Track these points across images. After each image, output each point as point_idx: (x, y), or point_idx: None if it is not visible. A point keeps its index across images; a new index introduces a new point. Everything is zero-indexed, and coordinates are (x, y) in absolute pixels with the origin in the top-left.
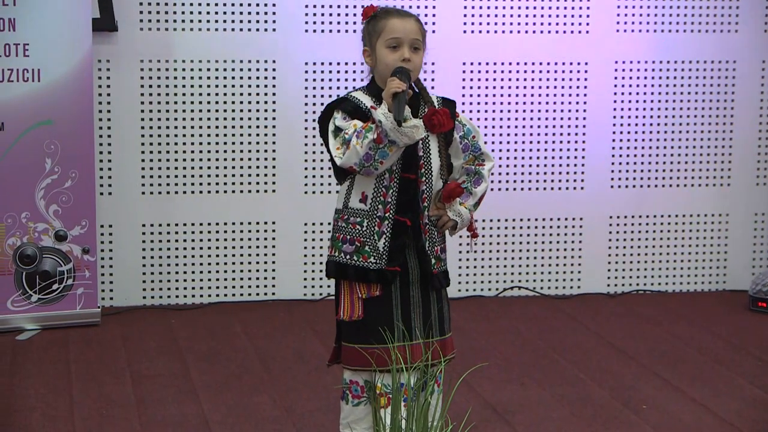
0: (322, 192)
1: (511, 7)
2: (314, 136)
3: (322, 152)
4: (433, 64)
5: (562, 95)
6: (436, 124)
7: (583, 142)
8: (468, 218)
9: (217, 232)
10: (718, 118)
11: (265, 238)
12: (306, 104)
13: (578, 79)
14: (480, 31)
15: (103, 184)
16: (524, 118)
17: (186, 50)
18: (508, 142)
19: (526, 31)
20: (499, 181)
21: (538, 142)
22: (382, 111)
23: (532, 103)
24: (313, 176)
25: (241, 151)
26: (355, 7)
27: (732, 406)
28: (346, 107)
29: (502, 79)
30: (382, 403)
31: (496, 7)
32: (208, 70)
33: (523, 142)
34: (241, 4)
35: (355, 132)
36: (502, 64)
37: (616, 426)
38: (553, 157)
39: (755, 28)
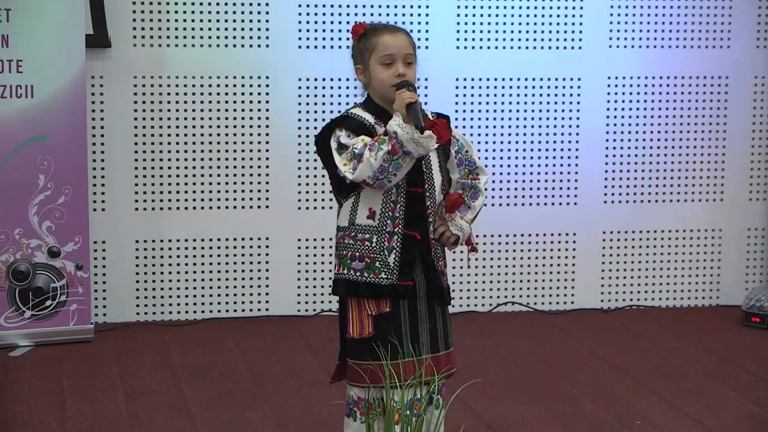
0: (315, 208)
1: (504, 23)
2: (308, 152)
3: (315, 168)
4: (426, 79)
5: (555, 111)
6: (436, 135)
7: (576, 157)
8: (468, 232)
9: (211, 248)
10: (710, 134)
11: (259, 254)
12: (299, 120)
13: (571, 95)
14: (473, 47)
15: (96, 200)
16: (517, 134)
17: (179, 66)
18: (501, 158)
19: (519, 47)
20: (493, 197)
21: (531, 158)
22: (396, 122)
23: (525, 118)
24: (307, 192)
25: (235, 167)
26: (348, 23)
27: (725, 420)
28: (351, 124)
29: (495, 95)
30: (396, 418)
31: (489, 23)
32: (202, 86)
33: (516, 158)
34: (234, 20)
35: (367, 146)
36: (495, 79)
37: None
38: (546, 173)
39: (747, 44)
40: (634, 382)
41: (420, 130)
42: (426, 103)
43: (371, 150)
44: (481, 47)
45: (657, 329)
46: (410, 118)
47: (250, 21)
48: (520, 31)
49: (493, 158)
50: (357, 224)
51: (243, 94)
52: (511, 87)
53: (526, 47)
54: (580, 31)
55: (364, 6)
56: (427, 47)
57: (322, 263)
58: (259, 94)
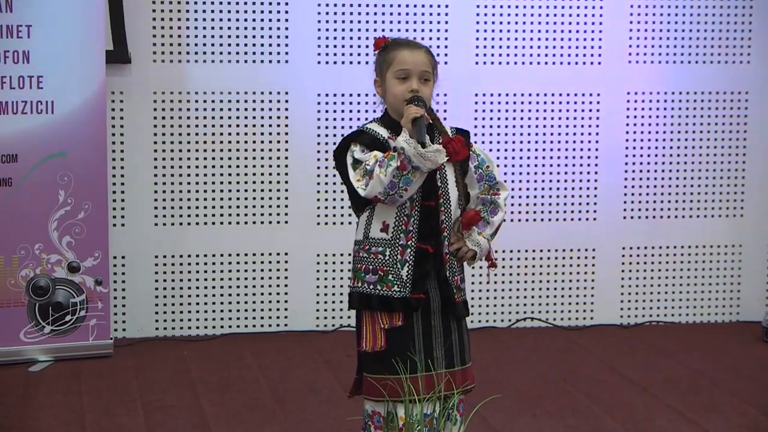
0: (334, 223)
1: (523, 39)
2: (326, 167)
3: (334, 183)
4: (445, 95)
5: (575, 126)
6: (451, 152)
7: (596, 172)
8: (486, 248)
9: (230, 263)
10: (730, 149)
11: (278, 269)
12: (318, 135)
13: (590, 110)
14: (492, 63)
15: (116, 216)
16: (536, 149)
17: (199, 82)
18: (521, 173)
19: (538, 62)
20: (512, 212)
21: (551, 173)
22: (404, 138)
23: (544, 134)
24: (326, 207)
25: (254, 182)
26: (367, 39)
27: None
28: (364, 139)
29: (514, 110)
30: None
31: (508, 39)
32: (221, 101)
33: (536, 173)
34: (253, 36)
35: (377, 162)
36: (514, 95)
37: None
38: (565, 188)
39: (763, 57)
40: (654, 399)
41: (422, 146)
42: (445, 119)
43: (381, 166)
44: (500, 62)
45: (677, 345)
46: (415, 133)
47: (270, 37)
48: (539, 47)
49: (512, 173)
50: (371, 237)
51: (262, 109)
52: (530, 102)
53: (545, 62)
54: (600, 47)
55: (383, 22)
56: (446, 63)
57: (341, 278)
58: (278, 109)
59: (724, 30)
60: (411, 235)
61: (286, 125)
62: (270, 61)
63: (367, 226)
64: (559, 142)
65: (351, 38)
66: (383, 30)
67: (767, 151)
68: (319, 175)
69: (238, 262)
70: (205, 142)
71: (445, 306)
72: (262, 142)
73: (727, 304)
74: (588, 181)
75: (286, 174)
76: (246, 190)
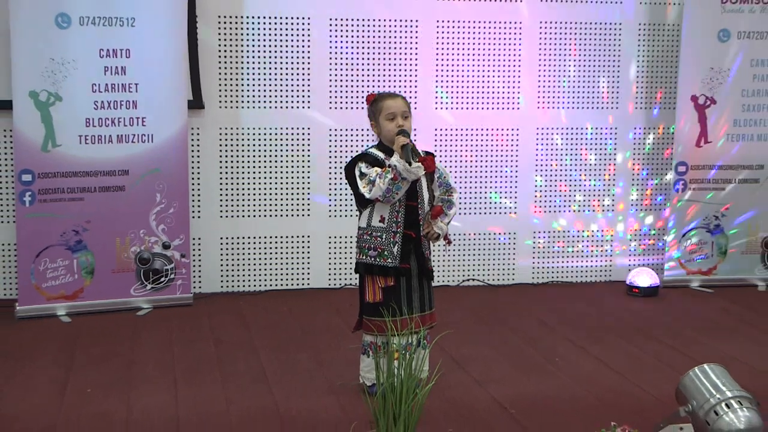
0: (341, 216)
1: (467, 92)
2: (336, 178)
3: (340, 189)
4: (415, 130)
5: (503, 150)
6: (427, 167)
7: (516, 180)
8: (446, 231)
9: (271, 242)
10: (602, 165)
11: (303, 247)
12: (330, 158)
13: (512, 139)
14: (447, 108)
15: (194, 211)
16: (477, 166)
17: (250, 121)
18: (467, 182)
19: (479, 108)
20: (461, 207)
21: (488, 181)
22: (396, 159)
23: (482, 154)
24: (336, 205)
25: (286, 187)
26: (362, 91)
27: (616, 357)
28: (368, 159)
29: (462, 140)
30: (395, 357)
31: (457, 93)
32: (264, 135)
33: (477, 182)
34: (286, 89)
35: (378, 175)
36: (462, 130)
37: (539, 372)
38: (495, 192)
39: (626, 105)
40: (555, 333)
41: (408, 164)
42: (417, 145)
43: (380, 178)
44: (451, 108)
45: (570, 297)
46: (403, 155)
47: (297, 91)
48: (479, 97)
49: (460, 180)
50: (372, 226)
51: (292, 140)
52: (473, 135)
53: (483, 108)
54: (518, 97)
55: (374, 80)
56: (415, 107)
57: (346, 253)
58: (302, 140)
59: (595, 89)
60: (399, 225)
61: (309, 151)
62: (297, 107)
63: (370, 218)
64: (491, 161)
65: (351, 92)
66: (375, 86)
67: (626, 163)
68: (330, 184)
69: (276, 242)
70: (254, 162)
71: (420, 271)
72: (291, 162)
73: (604, 270)
74: (510, 186)
75: (308, 182)
76: (282, 192)
